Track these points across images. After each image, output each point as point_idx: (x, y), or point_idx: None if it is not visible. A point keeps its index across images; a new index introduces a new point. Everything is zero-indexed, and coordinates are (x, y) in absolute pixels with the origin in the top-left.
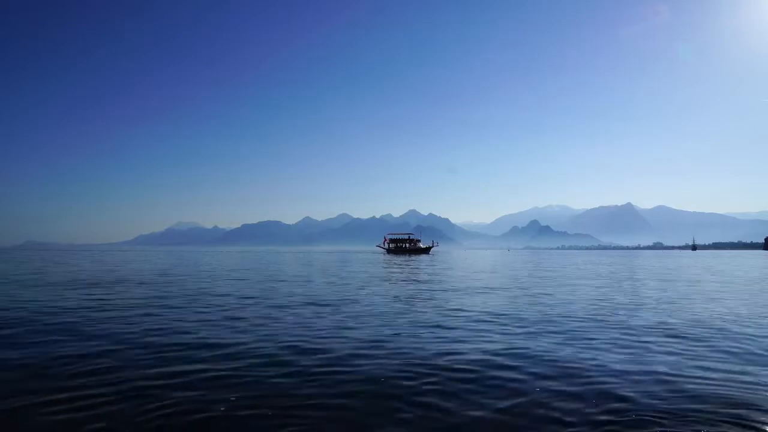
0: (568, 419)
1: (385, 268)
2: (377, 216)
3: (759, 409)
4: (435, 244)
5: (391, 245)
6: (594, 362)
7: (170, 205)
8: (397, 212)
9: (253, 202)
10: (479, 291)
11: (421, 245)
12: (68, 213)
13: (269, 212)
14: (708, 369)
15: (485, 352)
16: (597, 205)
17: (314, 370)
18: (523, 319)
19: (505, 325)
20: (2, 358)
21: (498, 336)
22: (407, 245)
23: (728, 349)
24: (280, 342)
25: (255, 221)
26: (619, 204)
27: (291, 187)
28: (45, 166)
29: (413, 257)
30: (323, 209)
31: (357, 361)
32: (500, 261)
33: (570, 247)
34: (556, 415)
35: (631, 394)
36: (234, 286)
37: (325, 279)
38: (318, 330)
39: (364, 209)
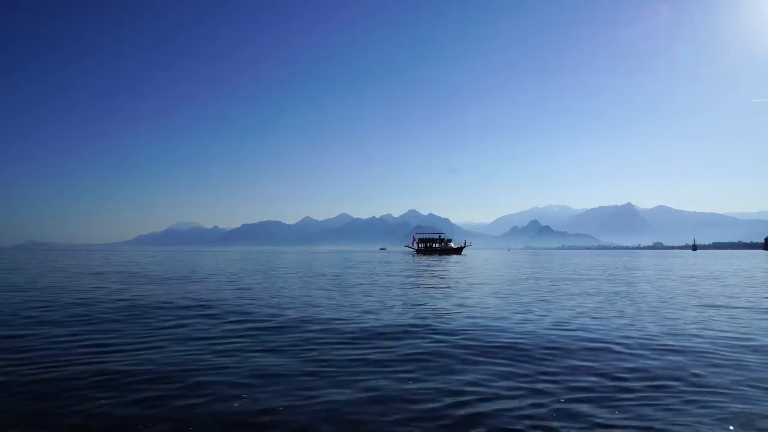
0: None
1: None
2: (377, 216)
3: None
4: (468, 244)
5: (421, 245)
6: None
7: (170, 205)
8: (397, 212)
9: (253, 202)
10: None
11: (453, 245)
12: (68, 213)
13: (269, 212)
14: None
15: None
16: (597, 205)
17: None
18: None
19: None
20: None
21: None
22: (438, 245)
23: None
24: None
25: (255, 221)
26: (619, 204)
27: (291, 187)
28: (45, 166)
29: (445, 257)
30: (323, 209)
31: None
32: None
33: (570, 247)
34: None
35: None
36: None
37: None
38: None
39: (364, 209)
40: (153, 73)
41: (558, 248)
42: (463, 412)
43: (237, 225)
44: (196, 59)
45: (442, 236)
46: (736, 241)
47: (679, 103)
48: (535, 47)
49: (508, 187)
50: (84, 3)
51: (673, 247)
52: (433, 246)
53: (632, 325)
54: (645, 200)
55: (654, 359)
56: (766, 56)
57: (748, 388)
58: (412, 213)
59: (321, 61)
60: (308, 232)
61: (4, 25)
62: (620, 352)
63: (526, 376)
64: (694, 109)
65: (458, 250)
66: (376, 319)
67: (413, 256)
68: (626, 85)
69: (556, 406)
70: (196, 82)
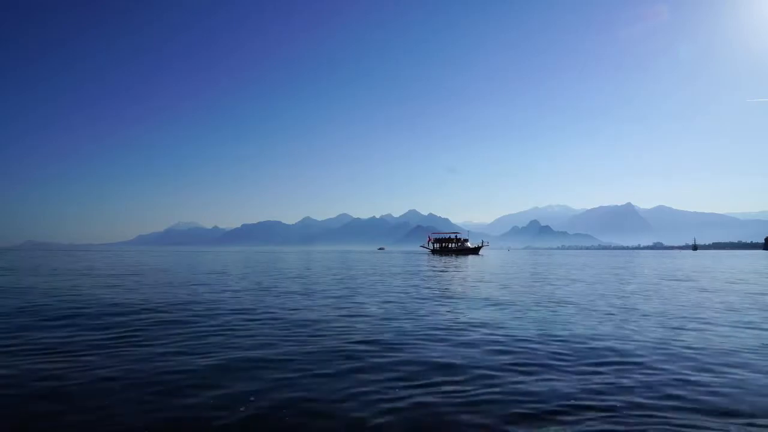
0: None
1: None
2: (377, 216)
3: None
4: (485, 244)
5: (436, 245)
6: None
7: (170, 205)
8: (397, 212)
9: (253, 202)
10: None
11: (469, 245)
12: (68, 213)
13: (269, 212)
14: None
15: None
16: (597, 205)
17: None
18: None
19: None
20: None
21: None
22: (453, 245)
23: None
24: None
25: (255, 221)
26: (619, 204)
27: (291, 187)
28: (45, 166)
29: (461, 258)
30: (323, 209)
31: None
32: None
33: (570, 247)
34: None
35: None
36: None
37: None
38: None
39: (364, 209)
40: (153, 73)
41: (558, 248)
42: None
43: (237, 225)
44: (196, 59)
45: (459, 236)
46: (736, 241)
47: (679, 103)
48: (535, 47)
49: (508, 187)
50: (84, 3)
51: (673, 247)
52: (449, 246)
53: None
54: (645, 200)
55: None
56: (766, 56)
57: None
58: (412, 213)
59: (321, 62)
60: (308, 232)
61: (4, 25)
62: None
63: None
64: (694, 109)
65: (475, 250)
66: None
67: (428, 255)
68: (626, 85)
69: None
70: (196, 82)
